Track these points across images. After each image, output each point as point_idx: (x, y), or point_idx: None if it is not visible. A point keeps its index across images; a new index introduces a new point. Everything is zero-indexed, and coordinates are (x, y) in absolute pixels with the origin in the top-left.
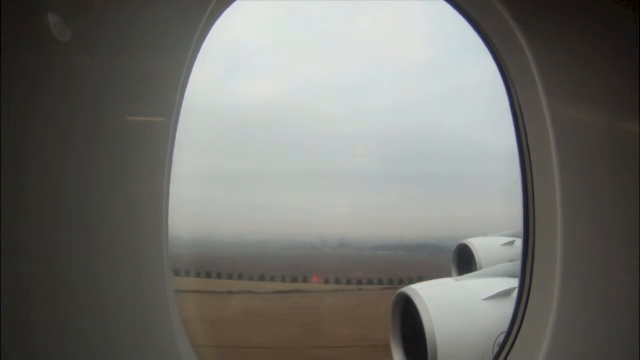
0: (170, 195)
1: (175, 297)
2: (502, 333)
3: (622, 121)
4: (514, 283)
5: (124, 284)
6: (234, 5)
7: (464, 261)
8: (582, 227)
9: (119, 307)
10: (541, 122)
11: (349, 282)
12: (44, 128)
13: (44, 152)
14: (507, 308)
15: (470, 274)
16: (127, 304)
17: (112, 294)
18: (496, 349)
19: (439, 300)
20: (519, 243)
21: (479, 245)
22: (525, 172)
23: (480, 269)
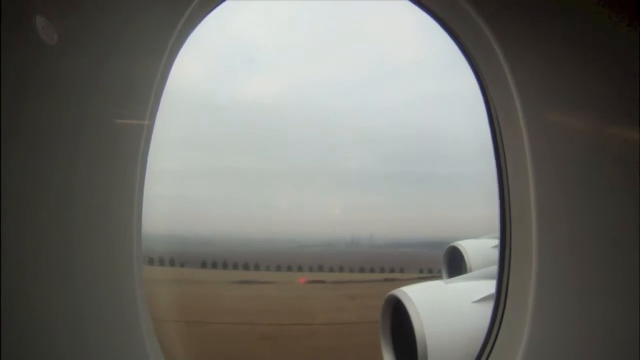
0: (143, 192)
1: (144, 289)
2: None
3: (595, 122)
4: None
5: (96, 275)
6: (224, 5)
7: (454, 263)
8: (556, 228)
9: (91, 299)
10: (515, 124)
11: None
12: (30, 129)
13: (30, 152)
14: None
15: (460, 277)
16: (99, 296)
17: (84, 286)
18: None
19: (429, 302)
20: None
21: (469, 248)
22: (501, 173)
23: (470, 271)
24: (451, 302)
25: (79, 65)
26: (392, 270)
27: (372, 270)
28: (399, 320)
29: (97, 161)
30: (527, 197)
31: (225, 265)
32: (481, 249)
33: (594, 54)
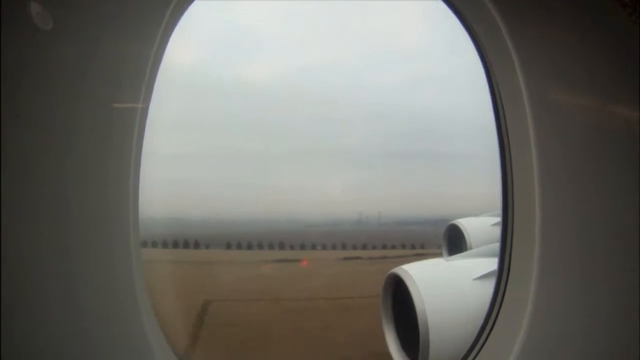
0: (139, 175)
1: (142, 270)
2: None
3: (599, 99)
4: None
5: (91, 260)
6: None
7: (454, 241)
8: (560, 205)
9: (87, 285)
10: (519, 101)
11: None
12: (25, 116)
13: (24, 137)
14: None
15: (461, 254)
16: (94, 281)
17: (80, 271)
18: None
19: (430, 280)
20: None
21: (469, 225)
22: (504, 154)
23: (471, 249)
24: (452, 279)
25: (72, 50)
26: (422, 247)
27: (403, 247)
28: (400, 298)
29: (91, 145)
30: (531, 174)
31: (250, 246)
32: (481, 226)
33: (597, 31)
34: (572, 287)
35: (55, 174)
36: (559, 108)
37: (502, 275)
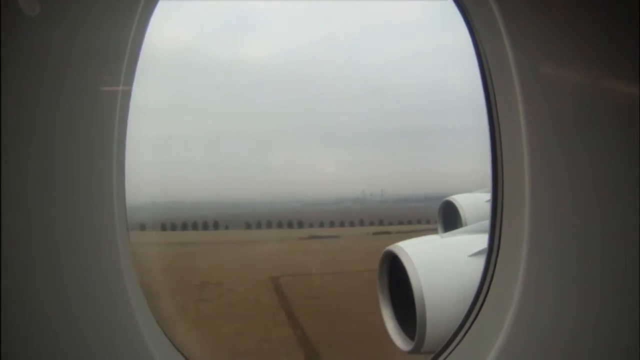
0: (125, 158)
1: (129, 257)
2: None
3: (589, 73)
4: None
5: (77, 245)
6: None
7: (449, 217)
8: (550, 179)
9: (72, 267)
10: (508, 76)
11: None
12: (10, 101)
13: (8, 122)
14: None
15: (455, 231)
16: (80, 265)
17: (65, 256)
18: None
19: (425, 257)
20: None
21: (464, 202)
22: (493, 128)
23: (465, 225)
24: (447, 255)
25: (55, 34)
26: None
27: (427, 222)
28: (396, 275)
29: (75, 130)
30: (520, 147)
31: (269, 225)
32: (476, 202)
33: (590, 6)
34: (562, 263)
35: (40, 157)
36: (549, 81)
37: (492, 252)
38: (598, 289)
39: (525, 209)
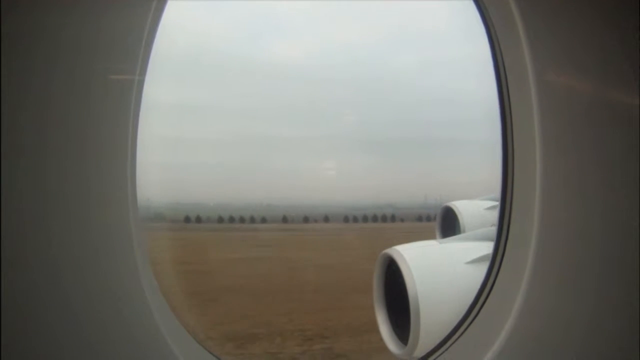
0: (137, 150)
1: (144, 250)
2: None
3: (607, 87)
4: None
5: (92, 236)
6: None
7: (448, 224)
8: (561, 199)
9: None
10: (525, 85)
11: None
12: (22, 87)
13: (20, 110)
14: None
15: (454, 237)
16: (96, 253)
17: (80, 252)
18: None
19: (422, 262)
20: None
21: (463, 208)
22: (506, 136)
23: (464, 232)
24: (444, 262)
25: (68, 20)
26: None
27: None
28: (392, 279)
29: (87, 117)
30: (533, 162)
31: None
32: (475, 210)
33: (611, 17)
34: (569, 267)
35: (51, 146)
36: (566, 95)
37: (495, 262)
38: (605, 294)
39: (534, 222)
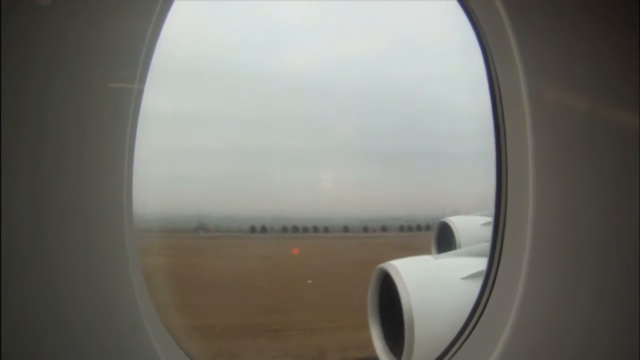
0: (134, 158)
1: (137, 257)
2: None
3: (600, 100)
4: None
5: (87, 243)
6: None
7: (444, 239)
8: (553, 215)
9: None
10: (518, 98)
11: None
12: (25, 90)
13: (20, 114)
14: None
15: (450, 252)
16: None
17: (74, 253)
18: None
19: (418, 277)
20: None
21: (459, 224)
22: (499, 150)
23: (460, 247)
24: (439, 277)
25: (69, 26)
26: None
27: None
28: (387, 294)
29: (86, 123)
30: (526, 175)
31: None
32: (471, 225)
33: (606, 34)
34: (559, 295)
35: (49, 151)
36: (559, 112)
37: (489, 278)
38: (598, 309)
39: (527, 237)
